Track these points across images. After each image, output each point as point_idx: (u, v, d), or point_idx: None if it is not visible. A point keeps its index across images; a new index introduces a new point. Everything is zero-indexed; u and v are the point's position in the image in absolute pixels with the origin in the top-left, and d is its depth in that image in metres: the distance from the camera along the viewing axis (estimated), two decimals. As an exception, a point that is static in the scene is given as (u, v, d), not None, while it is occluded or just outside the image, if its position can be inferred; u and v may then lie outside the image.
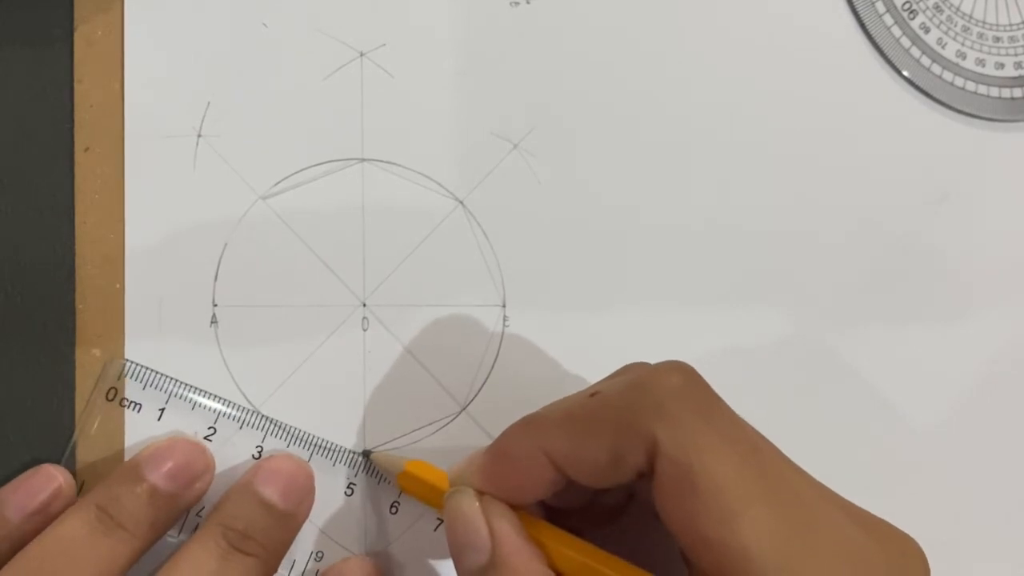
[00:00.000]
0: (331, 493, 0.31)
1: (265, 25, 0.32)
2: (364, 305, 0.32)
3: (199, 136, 0.32)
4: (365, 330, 0.32)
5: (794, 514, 0.23)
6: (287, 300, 0.32)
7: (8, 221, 0.31)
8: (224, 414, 0.30)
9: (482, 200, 0.33)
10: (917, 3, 0.35)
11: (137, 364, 0.30)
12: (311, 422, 0.31)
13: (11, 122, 0.31)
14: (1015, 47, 0.36)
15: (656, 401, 0.24)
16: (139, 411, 0.30)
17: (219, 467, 0.30)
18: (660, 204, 0.34)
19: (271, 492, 0.29)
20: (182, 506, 0.29)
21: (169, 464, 0.28)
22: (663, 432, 0.23)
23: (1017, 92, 0.35)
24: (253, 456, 0.30)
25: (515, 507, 0.26)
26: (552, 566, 0.25)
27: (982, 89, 0.35)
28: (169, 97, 0.31)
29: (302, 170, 0.32)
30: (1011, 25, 0.36)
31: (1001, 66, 0.36)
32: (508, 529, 0.25)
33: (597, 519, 0.28)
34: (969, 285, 0.35)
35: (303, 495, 0.30)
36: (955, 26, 0.35)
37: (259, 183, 0.32)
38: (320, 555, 0.31)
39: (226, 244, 0.31)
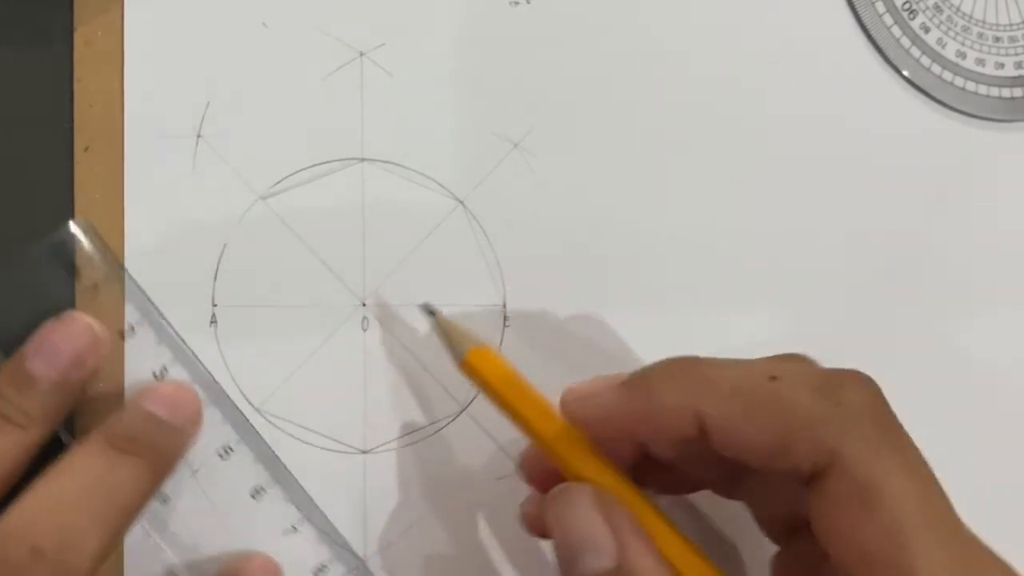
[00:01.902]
0: (330, 493, 0.31)
1: (265, 25, 0.32)
2: (364, 305, 0.32)
3: (199, 136, 0.32)
4: (365, 330, 0.32)
5: (966, 553, 0.23)
6: (287, 300, 0.32)
7: (8, 221, 0.31)
8: None
9: (482, 200, 0.33)
10: (917, 3, 0.35)
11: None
12: (311, 422, 0.31)
13: (11, 122, 0.31)
14: (1015, 47, 0.36)
15: (844, 411, 0.24)
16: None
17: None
18: (660, 204, 0.34)
19: (157, 406, 0.28)
20: (74, 389, 0.28)
21: (50, 349, 0.28)
22: (849, 448, 0.23)
23: (1017, 92, 0.35)
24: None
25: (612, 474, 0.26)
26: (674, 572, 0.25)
27: (982, 89, 0.35)
28: (169, 97, 0.31)
29: (302, 170, 0.32)
30: (1011, 25, 0.36)
31: (1001, 66, 0.36)
32: (634, 532, 0.25)
33: (673, 484, 0.28)
34: (969, 285, 0.35)
35: (190, 413, 0.29)
36: (955, 26, 0.35)
37: (259, 183, 0.32)
38: (228, 451, 0.30)
39: (226, 244, 0.31)
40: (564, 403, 0.27)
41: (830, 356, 0.34)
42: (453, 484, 0.32)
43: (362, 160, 0.32)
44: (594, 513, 0.25)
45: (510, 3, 0.33)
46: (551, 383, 0.32)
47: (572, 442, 0.27)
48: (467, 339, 0.29)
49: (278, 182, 0.32)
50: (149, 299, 0.30)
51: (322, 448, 0.31)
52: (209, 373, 0.30)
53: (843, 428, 0.23)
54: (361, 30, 0.32)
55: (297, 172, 0.32)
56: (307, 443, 0.31)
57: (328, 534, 0.30)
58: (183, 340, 0.30)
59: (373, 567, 0.31)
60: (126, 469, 0.27)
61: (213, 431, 0.30)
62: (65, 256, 0.30)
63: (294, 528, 0.30)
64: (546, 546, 0.29)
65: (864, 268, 0.34)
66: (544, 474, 0.28)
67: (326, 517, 0.31)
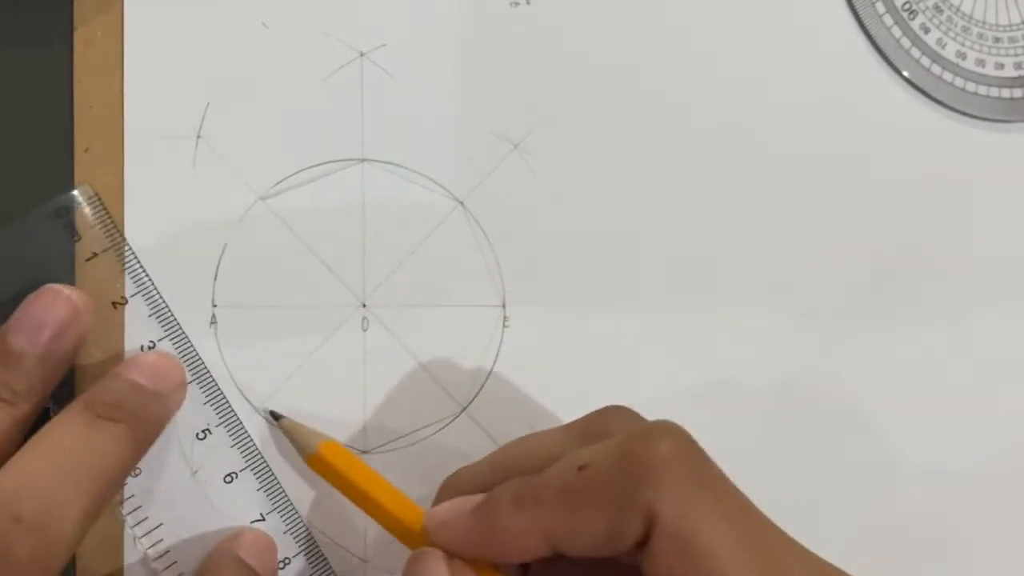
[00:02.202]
0: (330, 493, 0.31)
1: (265, 25, 0.32)
2: (364, 305, 0.32)
3: (199, 136, 0.32)
4: (365, 330, 0.32)
5: None
6: (287, 300, 0.32)
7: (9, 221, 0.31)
8: None
9: (482, 200, 0.33)
10: (917, 3, 0.35)
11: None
12: (311, 422, 0.31)
13: (11, 122, 0.31)
14: (1015, 47, 0.36)
15: (651, 471, 0.24)
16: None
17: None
18: (660, 204, 0.34)
19: (139, 375, 0.28)
20: (60, 361, 0.28)
21: (30, 323, 0.28)
22: (661, 503, 0.23)
23: (1017, 92, 0.35)
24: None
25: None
26: None
27: (982, 89, 0.35)
28: (169, 97, 0.31)
29: (302, 170, 0.32)
30: (1011, 25, 0.36)
31: (1001, 66, 0.36)
32: None
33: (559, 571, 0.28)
34: (969, 285, 0.35)
35: (173, 382, 0.29)
36: (955, 26, 0.35)
37: (259, 183, 0.32)
38: (207, 433, 0.30)
39: (226, 244, 0.31)
40: (429, 531, 0.27)
41: (830, 356, 0.34)
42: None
43: (362, 160, 0.32)
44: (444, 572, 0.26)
45: (510, 3, 0.33)
46: (551, 383, 0.32)
47: (410, 510, 0.28)
48: (315, 435, 0.30)
49: (278, 182, 0.32)
50: (147, 273, 0.30)
51: (322, 448, 0.31)
52: (198, 354, 0.30)
53: (653, 485, 0.23)
54: (361, 30, 0.32)
55: (297, 172, 0.32)
56: (307, 443, 0.31)
57: (294, 528, 0.31)
58: (176, 318, 0.30)
59: (373, 567, 0.31)
60: (107, 436, 0.27)
61: (193, 411, 0.30)
62: (67, 221, 0.30)
63: (262, 517, 0.30)
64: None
65: (864, 268, 0.34)
66: None
67: (296, 511, 0.31)
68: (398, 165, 0.32)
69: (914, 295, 0.35)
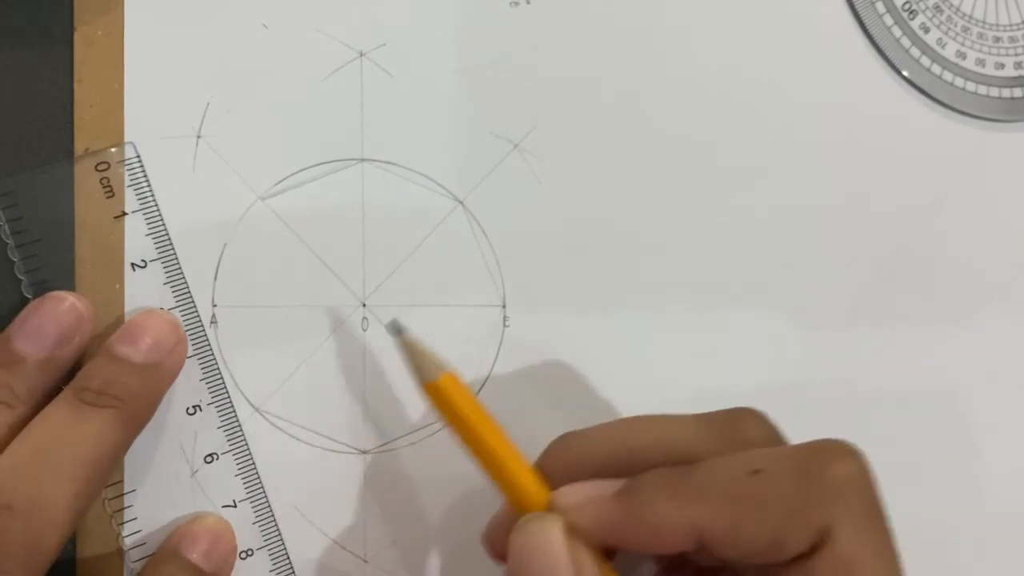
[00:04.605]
0: (330, 493, 0.31)
1: (265, 26, 0.32)
2: (364, 305, 0.32)
3: (199, 136, 0.32)
4: (365, 330, 0.32)
5: None
6: (287, 300, 0.32)
7: (8, 221, 0.31)
8: None
9: (482, 200, 0.33)
10: (917, 3, 0.35)
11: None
12: (311, 422, 0.31)
13: (11, 122, 0.31)
14: (1015, 47, 0.36)
15: (835, 492, 0.24)
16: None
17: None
18: (660, 204, 0.34)
19: (129, 349, 0.28)
20: (61, 367, 0.28)
21: (35, 328, 0.28)
22: (842, 525, 0.23)
23: (1017, 92, 0.35)
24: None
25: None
26: None
27: (982, 89, 0.35)
28: (169, 97, 0.31)
29: (302, 170, 0.32)
30: (1011, 25, 0.36)
31: (1001, 66, 0.36)
32: (595, 573, 0.24)
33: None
34: (969, 285, 0.35)
35: (169, 346, 0.29)
36: (955, 26, 0.35)
37: (259, 183, 0.32)
38: (196, 409, 0.30)
39: (226, 244, 0.31)
40: (559, 509, 0.26)
41: (830, 355, 0.34)
42: (453, 484, 0.32)
43: (362, 160, 0.32)
44: (561, 546, 0.25)
45: (510, 3, 0.33)
46: (551, 383, 0.32)
47: (535, 476, 0.27)
48: (436, 364, 0.28)
49: (278, 182, 0.32)
50: (171, 242, 0.31)
51: (322, 448, 0.31)
52: (204, 332, 0.31)
53: (835, 506, 0.23)
54: (361, 30, 0.32)
55: (297, 172, 0.32)
56: (307, 443, 0.31)
57: (263, 521, 0.31)
58: (189, 290, 0.31)
59: (373, 567, 0.31)
60: (95, 422, 0.27)
61: (188, 385, 0.30)
62: (104, 176, 0.30)
63: (234, 504, 0.30)
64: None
65: (864, 268, 0.34)
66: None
67: (268, 505, 0.31)
68: (398, 165, 0.32)
69: (914, 295, 0.35)
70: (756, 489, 0.24)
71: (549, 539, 0.25)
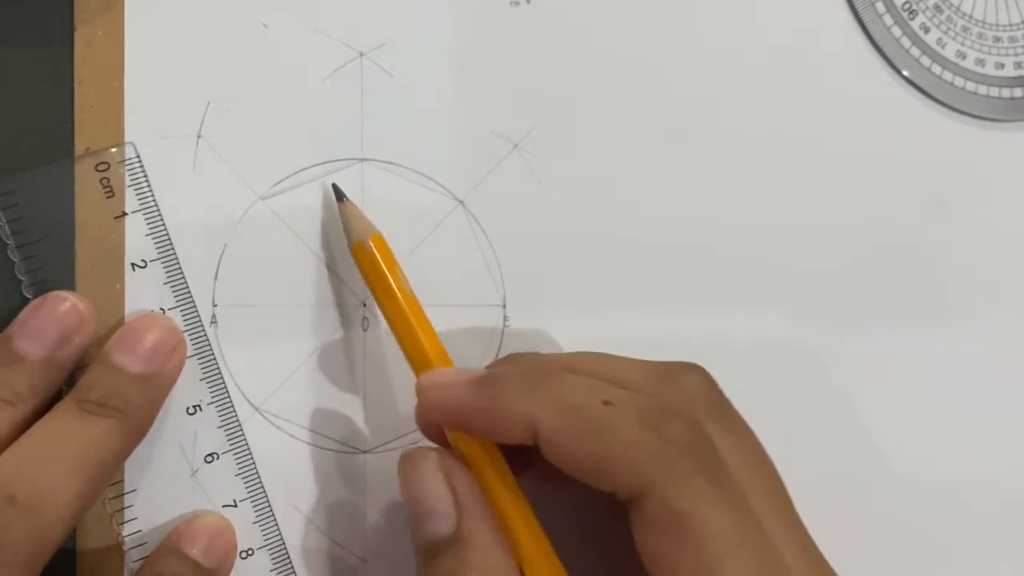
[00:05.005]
0: (330, 493, 0.31)
1: (265, 25, 0.32)
2: (364, 305, 0.32)
3: (199, 137, 0.32)
4: (365, 330, 0.32)
5: (771, 572, 0.24)
6: (287, 300, 0.32)
7: (8, 221, 0.31)
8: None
9: (482, 200, 0.33)
10: (917, 3, 0.35)
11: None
12: (311, 422, 0.31)
13: (11, 122, 0.31)
14: (1015, 47, 0.36)
15: (665, 447, 0.24)
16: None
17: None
18: (659, 204, 0.34)
19: (127, 358, 0.28)
20: (62, 367, 0.28)
21: (36, 328, 0.28)
22: (662, 478, 0.24)
23: (1017, 92, 0.35)
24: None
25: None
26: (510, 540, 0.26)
27: (982, 89, 0.35)
28: (169, 97, 0.31)
29: (302, 170, 0.32)
30: (1011, 25, 0.36)
31: (1001, 66, 0.36)
32: (476, 502, 0.26)
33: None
34: (969, 285, 0.35)
35: (167, 353, 0.29)
36: (955, 26, 0.35)
37: (259, 183, 0.32)
38: (197, 408, 0.30)
39: (226, 244, 0.31)
40: (420, 388, 0.27)
41: (830, 356, 0.34)
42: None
43: (362, 160, 0.32)
44: (438, 479, 0.26)
45: (510, 3, 0.33)
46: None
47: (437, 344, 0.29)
48: (368, 227, 0.30)
49: (278, 182, 0.32)
50: (171, 242, 0.31)
51: (322, 448, 0.31)
52: (204, 331, 0.31)
53: (659, 459, 0.24)
54: (361, 30, 0.32)
55: (297, 172, 0.32)
56: (307, 443, 0.31)
57: (263, 520, 0.31)
58: (189, 290, 0.31)
59: (373, 567, 0.31)
60: (95, 427, 0.27)
61: (189, 385, 0.30)
62: (105, 175, 0.30)
63: (234, 503, 0.30)
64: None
65: (864, 268, 0.34)
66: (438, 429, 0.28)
67: (268, 505, 0.31)
68: (398, 165, 0.32)
69: (914, 295, 0.35)
70: (599, 417, 0.25)
71: (426, 471, 0.26)
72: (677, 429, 0.25)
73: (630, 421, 0.25)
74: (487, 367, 0.29)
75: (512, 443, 0.26)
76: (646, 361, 0.28)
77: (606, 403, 0.25)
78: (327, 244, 0.32)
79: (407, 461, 0.27)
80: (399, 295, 0.29)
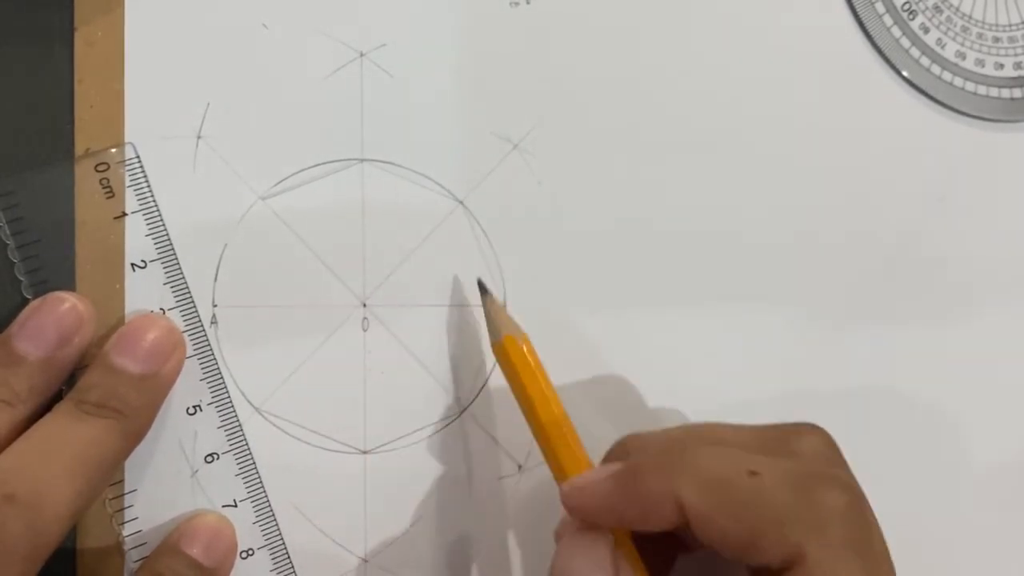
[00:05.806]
0: (330, 493, 0.31)
1: (265, 26, 0.32)
2: (364, 305, 0.32)
3: (199, 136, 0.32)
4: (365, 330, 0.32)
5: None
6: (287, 300, 0.32)
7: (8, 221, 0.31)
8: None
9: (482, 200, 0.33)
10: (917, 3, 0.35)
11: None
12: (311, 422, 0.31)
13: (11, 122, 0.31)
14: (1015, 47, 0.36)
15: (818, 516, 0.24)
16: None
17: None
18: (659, 204, 0.34)
19: (126, 359, 0.28)
20: (62, 368, 0.28)
21: (35, 328, 0.28)
22: (815, 549, 0.24)
23: (1017, 92, 0.35)
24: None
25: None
26: None
27: (982, 89, 0.35)
28: (169, 97, 0.31)
29: (302, 170, 0.32)
30: (1011, 25, 0.36)
31: (1001, 66, 0.36)
32: None
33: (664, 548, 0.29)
34: (969, 285, 0.35)
35: (166, 353, 0.29)
36: (954, 26, 0.36)
37: (259, 183, 0.32)
38: (197, 409, 0.30)
39: (226, 244, 0.31)
40: (564, 495, 0.27)
41: (830, 356, 0.34)
42: (453, 484, 0.32)
43: (362, 160, 0.32)
44: (606, 565, 0.26)
45: (510, 3, 0.33)
46: (551, 382, 0.32)
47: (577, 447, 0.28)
48: (507, 326, 0.30)
49: (278, 182, 0.32)
50: (171, 243, 0.31)
51: (322, 448, 0.31)
52: (204, 331, 0.31)
53: (812, 529, 0.24)
54: (361, 30, 0.32)
55: (297, 172, 0.32)
56: (307, 443, 0.31)
57: (264, 520, 0.31)
58: (189, 290, 0.31)
59: (373, 567, 0.31)
60: (94, 428, 0.27)
61: (188, 385, 0.30)
62: (104, 176, 0.30)
63: (235, 503, 0.30)
64: (547, 545, 0.29)
65: (864, 268, 0.34)
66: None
67: (269, 504, 0.31)
68: (398, 165, 0.32)
69: (915, 295, 0.35)
70: (746, 489, 0.25)
71: (599, 550, 0.26)
72: (831, 498, 0.25)
73: (781, 490, 0.24)
74: (607, 455, 0.29)
75: (660, 528, 0.25)
76: (758, 426, 0.28)
77: (752, 473, 0.25)
78: (327, 244, 0.32)
79: (584, 540, 0.27)
80: (550, 402, 0.29)
